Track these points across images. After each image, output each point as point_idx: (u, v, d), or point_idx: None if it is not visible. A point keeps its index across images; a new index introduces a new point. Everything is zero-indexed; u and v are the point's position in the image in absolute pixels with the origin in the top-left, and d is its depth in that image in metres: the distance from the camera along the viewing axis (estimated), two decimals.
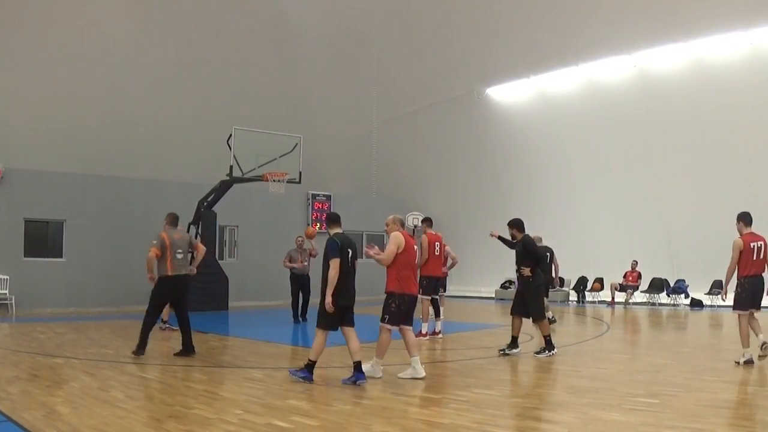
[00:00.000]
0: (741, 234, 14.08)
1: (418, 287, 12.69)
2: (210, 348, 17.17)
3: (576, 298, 32.42)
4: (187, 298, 14.80)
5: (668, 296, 29.21)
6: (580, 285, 32.25)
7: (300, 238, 24.00)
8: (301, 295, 23.58)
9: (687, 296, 28.68)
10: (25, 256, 26.24)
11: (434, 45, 34.68)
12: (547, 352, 14.36)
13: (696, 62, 27.12)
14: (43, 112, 29.56)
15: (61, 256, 26.85)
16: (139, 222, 27.48)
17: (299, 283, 23.51)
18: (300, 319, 23.35)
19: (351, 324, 11.99)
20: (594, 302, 31.55)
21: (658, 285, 29.33)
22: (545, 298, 19.75)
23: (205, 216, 27.90)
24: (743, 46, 25.77)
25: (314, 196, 34.90)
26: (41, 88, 29.41)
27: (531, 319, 14.84)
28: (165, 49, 31.91)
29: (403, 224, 12.93)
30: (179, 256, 13.87)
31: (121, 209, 27.67)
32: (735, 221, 14.51)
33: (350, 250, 11.97)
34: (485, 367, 13.51)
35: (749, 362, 13.08)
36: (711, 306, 27.66)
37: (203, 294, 26.96)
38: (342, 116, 39.08)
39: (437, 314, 18.58)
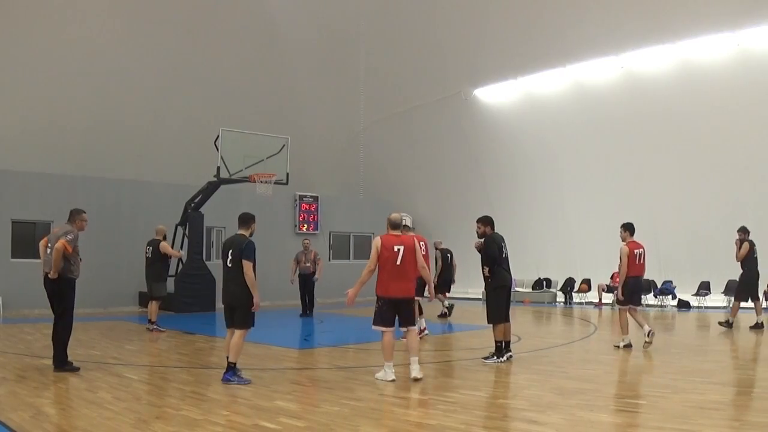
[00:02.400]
0: (625, 241, 16.47)
1: (397, 289, 12.36)
2: (197, 349, 17.19)
3: (563, 299, 32.43)
4: (58, 302, 13.58)
5: (655, 297, 29.22)
6: (567, 286, 32.27)
7: (306, 240, 26.32)
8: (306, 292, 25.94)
9: (674, 297, 28.72)
10: (12, 257, 26.17)
11: (421, 46, 34.69)
12: (496, 358, 14.17)
13: (683, 63, 27.18)
14: (30, 112, 29.41)
15: (41, 258, 26.74)
16: (126, 223, 27.45)
17: (303, 281, 25.75)
18: (307, 312, 25.83)
19: (234, 325, 12.23)
20: (581, 303, 31.57)
21: (645, 286, 29.38)
22: (447, 294, 20.64)
23: (192, 217, 27.87)
24: (730, 48, 25.81)
25: (301, 197, 34.82)
26: (28, 88, 29.25)
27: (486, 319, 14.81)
28: (152, 49, 31.79)
29: (396, 225, 12.76)
30: (48, 251, 13.52)
31: (108, 210, 27.54)
32: (621, 230, 17.01)
33: (230, 250, 12.56)
34: (472, 369, 13.53)
35: (628, 346, 16.06)
36: (698, 307, 27.73)
37: (190, 295, 27.00)
38: (329, 117, 39.06)
39: (420, 312, 18.63)
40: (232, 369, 11.89)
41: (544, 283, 33.54)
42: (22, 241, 26.38)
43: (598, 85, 29.90)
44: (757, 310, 20.62)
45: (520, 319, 24.90)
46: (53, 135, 29.75)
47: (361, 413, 9.48)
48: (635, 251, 16.18)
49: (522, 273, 32.80)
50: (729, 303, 26.78)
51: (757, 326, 20.21)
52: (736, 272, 27.00)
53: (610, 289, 29.33)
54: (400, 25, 34.97)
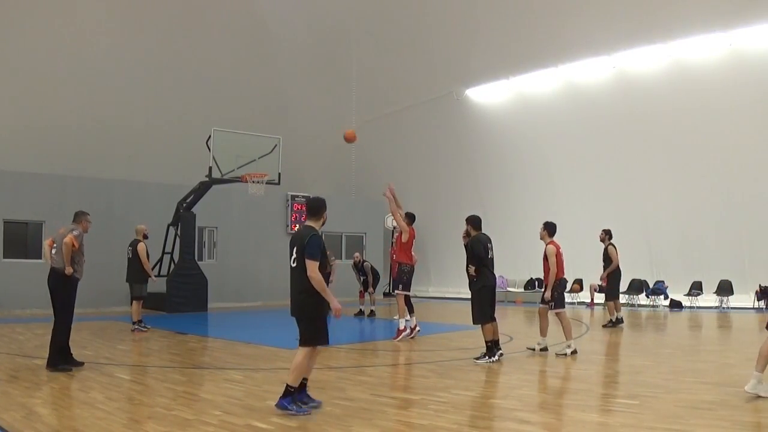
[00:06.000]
0: (546, 241, 15.98)
1: None
2: (189, 349, 17.15)
3: None
4: (59, 300, 13.39)
5: (647, 297, 29.23)
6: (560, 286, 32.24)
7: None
8: None
9: (666, 297, 28.73)
10: (4, 257, 26.09)
11: (413, 46, 34.71)
12: (487, 358, 14.20)
13: (675, 63, 27.22)
14: (22, 113, 29.38)
15: (40, 258, 26.53)
16: (118, 223, 27.28)
17: None
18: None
19: (299, 340, 10.03)
20: (573, 303, 31.55)
21: (637, 286, 29.34)
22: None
23: (184, 217, 27.82)
24: (722, 48, 25.87)
25: (293, 197, 34.75)
26: (20, 89, 29.23)
27: (472, 320, 14.88)
28: (144, 49, 31.79)
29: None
30: (53, 251, 13.49)
31: (100, 210, 27.34)
32: (541, 229, 16.41)
33: (295, 246, 9.97)
34: (464, 368, 13.53)
35: (574, 352, 15.30)
36: (690, 307, 27.75)
37: (182, 295, 26.99)
38: (321, 117, 39.04)
39: (410, 310, 18.69)
40: (290, 394, 9.67)
41: (536, 283, 33.46)
42: (14, 241, 26.35)
43: (591, 84, 29.94)
44: (617, 307, 21.66)
45: (511, 319, 24.96)
46: (45, 135, 29.72)
47: (353, 413, 9.47)
48: (559, 250, 15.87)
49: (514, 273, 32.87)
50: (721, 303, 26.90)
51: (616, 322, 21.11)
52: (728, 272, 27.17)
53: (602, 289, 29.37)
54: (391, 25, 34.98)
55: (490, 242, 14.87)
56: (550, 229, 16.09)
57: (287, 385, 9.67)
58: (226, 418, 9.09)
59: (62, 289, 13.30)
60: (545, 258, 15.74)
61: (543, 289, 16.19)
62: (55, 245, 13.51)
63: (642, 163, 29.08)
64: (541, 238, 16.10)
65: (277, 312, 26.48)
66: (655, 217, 29.24)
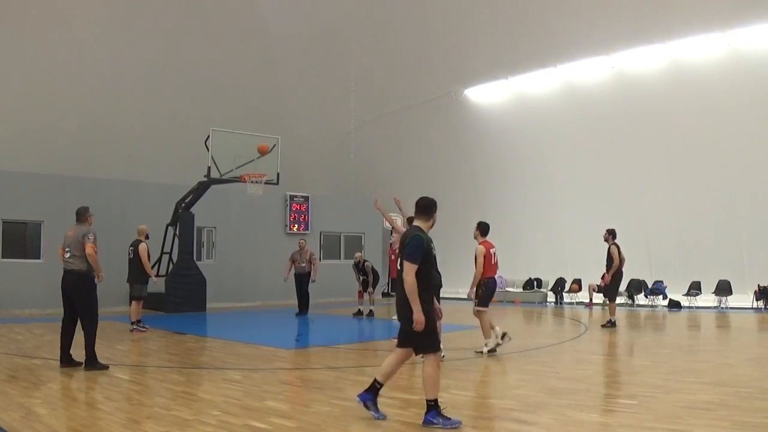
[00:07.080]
0: (479, 241, 16.01)
1: None
2: (188, 349, 17.13)
3: (554, 299, 32.43)
4: (77, 299, 13.39)
5: (646, 297, 29.22)
6: (558, 286, 32.25)
7: (302, 241, 26.76)
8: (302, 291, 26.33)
9: (665, 297, 28.73)
10: (2, 257, 26.06)
11: (412, 46, 34.67)
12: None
13: (673, 63, 27.19)
14: (20, 113, 29.35)
15: (39, 258, 26.59)
16: (117, 223, 27.25)
17: (299, 280, 26.07)
18: (303, 310, 26.08)
19: (415, 350, 9.34)
20: (572, 303, 31.56)
21: (635, 286, 29.33)
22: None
23: (182, 217, 27.81)
24: (721, 48, 25.83)
25: (292, 197, 34.72)
26: (18, 89, 29.22)
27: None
28: (142, 49, 31.77)
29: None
30: (67, 255, 13.46)
31: (99, 210, 27.07)
32: (475, 228, 16.32)
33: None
34: (462, 368, 13.51)
35: (492, 351, 15.30)
36: (689, 307, 27.74)
37: (180, 295, 26.98)
38: (320, 117, 39.03)
39: None
40: (433, 408, 8.93)
41: (535, 283, 33.51)
42: (13, 241, 26.36)
43: (589, 85, 29.91)
44: (612, 310, 21.48)
45: (510, 319, 24.94)
46: (44, 135, 29.72)
47: (352, 413, 9.44)
48: (491, 250, 15.84)
49: (513, 273, 32.86)
50: (720, 303, 26.88)
51: (611, 324, 20.86)
52: (727, 272, 27.15)
53: (600, 290, 29.35)
54: (390, 25, 34.96)
55: (432, 242, 15.07)
56: (482, 229, 16.27)
57: (427, 401, 8.96)
58: (225, 418, 9.08)
59: (82, 290, 13.34)
60: (475, 258, 15.84)
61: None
62: (68, 249, 13.48)
63: (641, 163, 29.07)
64: (474, 238, 16.20)
65: (276, 312, 26.56)
66: (653, 216, 29.23)
